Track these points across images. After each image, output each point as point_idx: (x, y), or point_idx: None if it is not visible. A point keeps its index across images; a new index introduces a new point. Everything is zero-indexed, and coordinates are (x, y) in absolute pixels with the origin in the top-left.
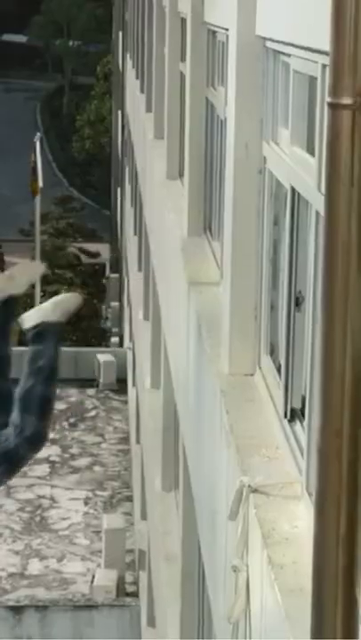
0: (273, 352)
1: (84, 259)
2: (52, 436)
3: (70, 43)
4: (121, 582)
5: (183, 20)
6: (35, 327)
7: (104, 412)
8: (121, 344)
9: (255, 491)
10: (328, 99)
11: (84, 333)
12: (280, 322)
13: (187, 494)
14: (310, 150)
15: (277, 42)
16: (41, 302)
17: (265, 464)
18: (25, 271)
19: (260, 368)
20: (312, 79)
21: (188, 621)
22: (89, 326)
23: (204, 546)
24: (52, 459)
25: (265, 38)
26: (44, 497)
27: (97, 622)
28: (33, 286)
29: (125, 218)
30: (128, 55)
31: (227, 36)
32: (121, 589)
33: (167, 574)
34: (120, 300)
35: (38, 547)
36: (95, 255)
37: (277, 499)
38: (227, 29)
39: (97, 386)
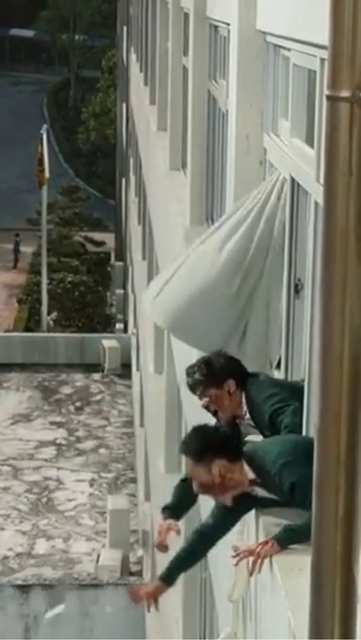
0: None
1: (90, 247)
2: (58, 419)
3: (76, 37)
4: (125, 562)
5: (186, 15)
6: None
7: (109, 396)
8: (125, 330)
9: None
10: (327, 91)
11: (89, 320)
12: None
13: None
14: (310, 142)
15: (277, 36)
16: (47, 290)
17: None
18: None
19: None
20: (311, 72)
21: (190, 600)
22: (94, 313)
23: None
24: (58, 441)
25: (265, 33)
26: (50, 479)
27: (102, 601)
28: (40, 274)
29: (130, 207)
30: (132, 49)
31: (228, 31)
32: (125, 569)
33: (170, 554)
34: (125, 288)
35: (45, 527)
36: (100, 244)
37: None
38: (228, 24)
39: (102, 371)
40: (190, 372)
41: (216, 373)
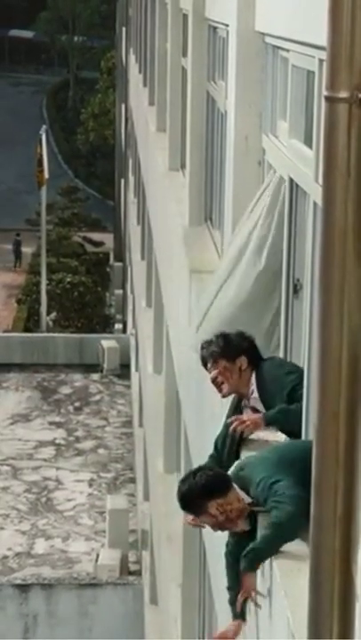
0: None
1: (89, 248)
2: (57, 419)
3: (75, 38)
4: (124, 561)
5: (185, 16)
6: None
7: (108, 397)
8: (124, 330)
9: None
10: (325, 92)
11: (88, 320)
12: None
13: None
14: (308, 143)
15: (276, 37)
16: (47, 290)
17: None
18: None
19: None
20: (310, 73)
21: (189, 599)
22: (93, 313)
23: None
24: (57, 441)
25: (264, 34)
26: (49, 479)
27: (101, 600)
28: (39, 274)
29: (129, 208)
30: (131, 50)
31: (227, 32)
32: (124, 568)
33: (169, 553)
34: (123, 288)
35: (44, 527)
36: (99, 244)
37: None
38: (227, 25)
39: (101, 371)
40: (206, 345)
41: (231, 347)
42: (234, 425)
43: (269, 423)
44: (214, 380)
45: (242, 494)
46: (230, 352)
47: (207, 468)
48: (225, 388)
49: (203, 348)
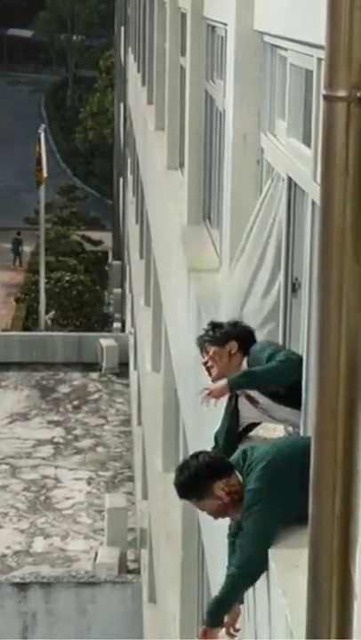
0: None
1: (88, 246)
2: (56, 418)
3: (74, 37)
4: (123, 560)
5: (183, 15)
6: None
7: (107, 395)
8: (123, 329)
9: None
10: (323, 91)
11: (87, 319)
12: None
13: None
14: (306, 141)
15: (275, 36)
16: (45, 289)
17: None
18: None
19: None
20: (308, 72)
21: (187, 598)
22: (92, 312)
23: (203, 524)
24: (56, 440)
25: (263, 33)
26: (48, 477)
27: (99, 599)
28: (37, 273)
29: (127, 207)
30: (130, 49)
31: (225, 31)
32: (123, 567)
33: (168, 552)
34: (122, 287)
35: (43, 525)
36: (98, 243)
37: None
38: (225, 24)
39: (100, 369)
40: (201, 334)
41: (220, 333)
42: (201, 397)
43: (233, 387)
44: (205, 365)
45: (241, 479)
46: (219, 337)
47: (204, 452)
48: (214, 371)
49: (199, 338)
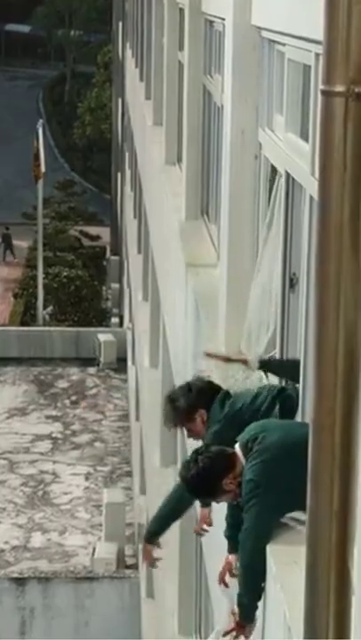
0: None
1: (86, 241)
2: (54, 413)
3: (72, 32)
4: (121, 555)
5: (181, 11)
6: None
7: (104, 390)
8: (121, 324)
9: None
10: (321, 86)
11: (85, 314)
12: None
13: None
14: (304, 136)
15: (273, 31)
16: (43, 284)
17: None
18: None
19: None
20: (306, 67)
21: (185, 593)
22: (90, 307)
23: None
24: (54, 435)
25: (260, 28)
26: (46, 472)
27: (97, 594)
28: (35, 268)
29: (125, 202)
30: (128, 44)
31: (223, 26)
32: (121, 562)
33: (165, 547)
34: (120, 282)
35: (41, 520)
36: (96, 238)
37: None
38: (223, 19)
39: (98, 365)
40: (166, 415)
41: (184, 409)
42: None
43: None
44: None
45: (243, 459)
46: (185, 414)
47: (205, 449)
48: (199, 438)
49: (165, 419)
